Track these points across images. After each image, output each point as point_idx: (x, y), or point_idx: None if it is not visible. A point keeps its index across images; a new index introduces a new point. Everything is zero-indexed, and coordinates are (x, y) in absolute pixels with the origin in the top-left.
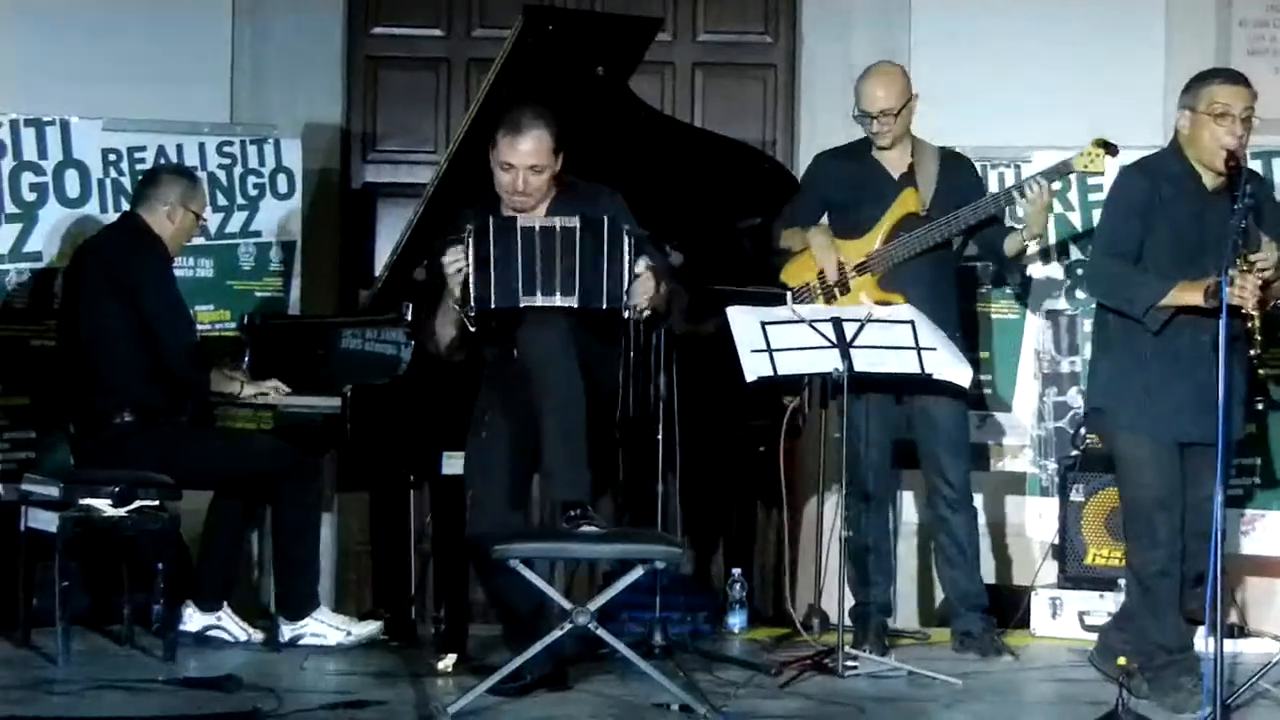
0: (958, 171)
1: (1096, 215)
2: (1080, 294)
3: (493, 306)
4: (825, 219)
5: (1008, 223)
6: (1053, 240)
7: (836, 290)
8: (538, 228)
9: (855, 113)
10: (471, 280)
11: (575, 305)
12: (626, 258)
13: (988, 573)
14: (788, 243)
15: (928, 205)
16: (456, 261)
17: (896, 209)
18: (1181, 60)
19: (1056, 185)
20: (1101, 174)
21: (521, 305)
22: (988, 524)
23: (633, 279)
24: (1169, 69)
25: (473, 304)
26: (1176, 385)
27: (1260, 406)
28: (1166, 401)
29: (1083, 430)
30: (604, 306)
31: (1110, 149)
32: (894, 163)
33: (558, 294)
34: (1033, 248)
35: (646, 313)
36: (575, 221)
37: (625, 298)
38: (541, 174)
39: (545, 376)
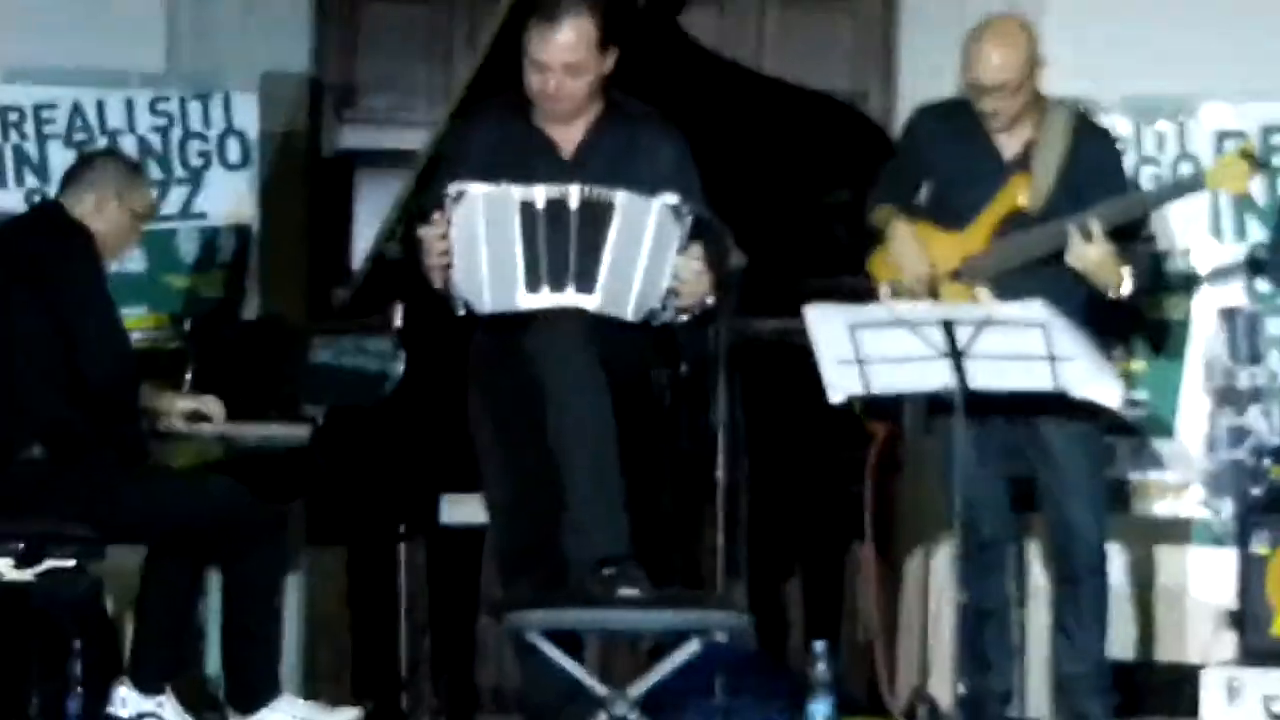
0: (1090, 153)
1: None
2: (1265, 285)
3: (483, 311)
4: (926, 193)
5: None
6: (1227, 219)
7: (925, 296)
8: (540, 205)
9: (962, 80)
10: (455, 274)
11: (592, 309)
12: (673, 253)
13: (1144, 647)
14: (877, 223)
15: (1043, 200)
16: (435, 241)
17: (1000, 202)
18: None
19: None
20: (1243, 193)
21: (521, 308)
22: (1145, 583)
23: (674, 280)
24: None
25: (457, 306)
26: None
27: None
28: None
29: (1267, 461)
30: (629, 318)
31: (1256, 162)
32: (1009, 137)
33: (570, 288)
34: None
35: (684, 317)
36: (613, 197)
37: (660, 307)
38: (581, 76)
39: (564, 404)
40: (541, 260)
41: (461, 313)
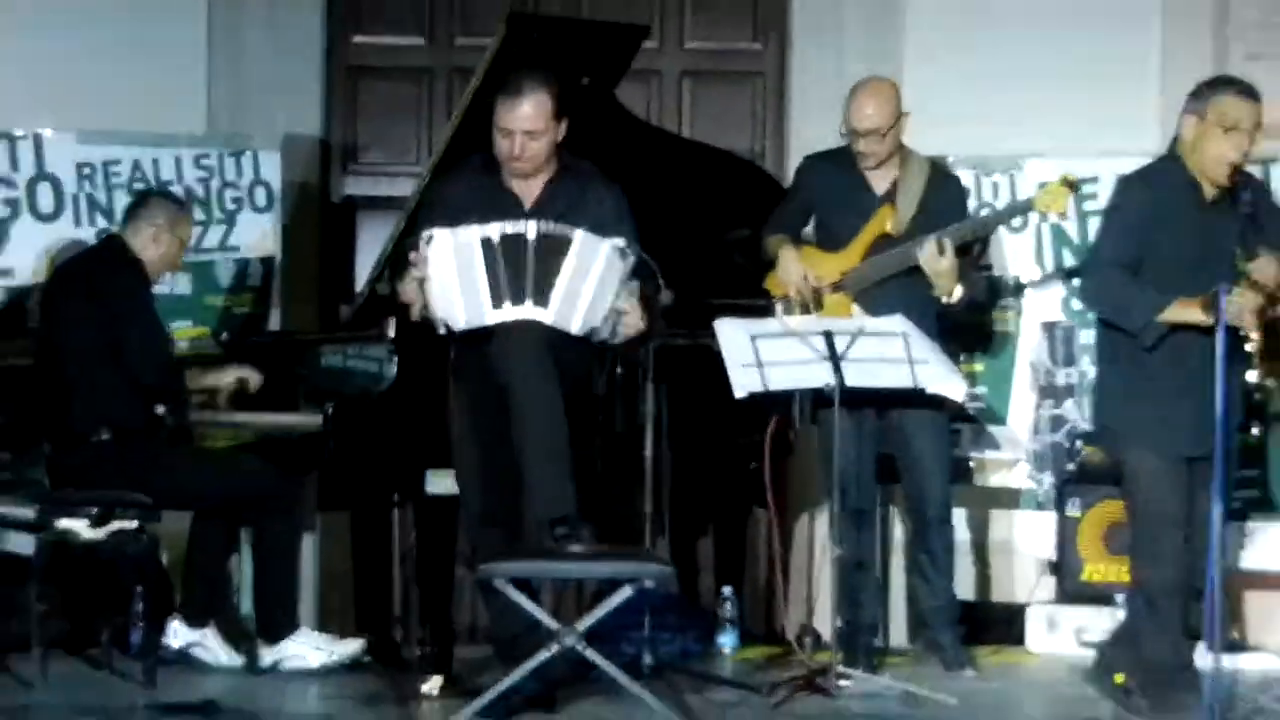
0: (942, 191)
1: (1091, 224)
2: (1076, 304)
3: (459, 329)
4: (812, 224)
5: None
6: (1048, 251)
7: (811, 306)
8: (496, 239)
9: (842, 130)
10: (434, 301)
11: (546, 321)
12: (616, 284)
13: (982, 589)
14: (771, 250)
15: (905, 226)
16: (415, 281)
17: (872, 228)
18: (1178, 64)
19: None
20: (1063, 214)
21: (489, 323)
22: (982, 539)
23: (616, 308)
24: (1165, 75)
25: (438, 327)
26: (1185, 400)
27: (1256, 432)
28: (1175, 416)
29: (1079, 443)
30: (575, 332)
31: (1074, 188)
32: (879, 176)
33: (528, 303)
34: (955, 295)
35: (620, 338)
36: (572, 234)
37: (600, 325)
38: (540, 139)
39: (523, 394)
40: (502, 282)
41: (442, 332)
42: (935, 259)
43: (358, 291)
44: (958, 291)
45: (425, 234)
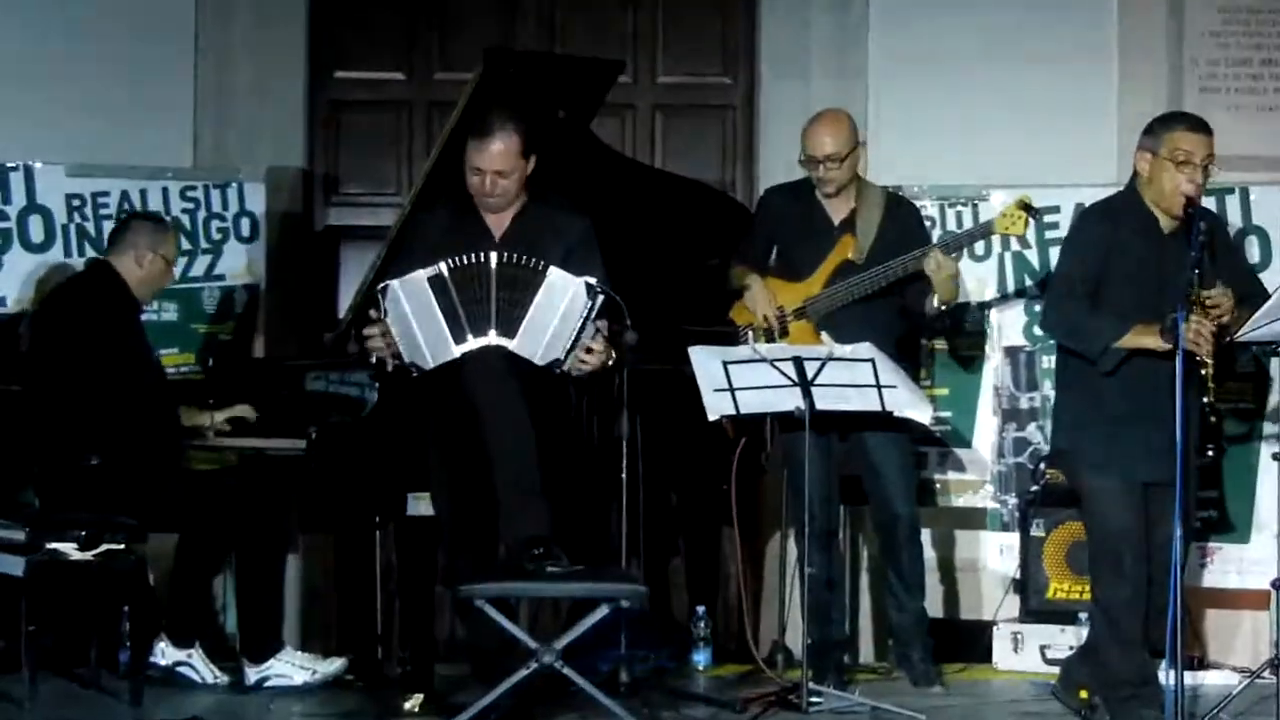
0: (900, 218)
1: (1053, 252)
2: (1038, 330)
3: (429, 368)
4: (774, 255)
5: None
6: (1010, 279)
7: (777, 334)
8: (446, 274)
9: (801, 157)
10: (402, 349)
11: (511, 349)
12: (580, 319)
13: (949, 607)
14: (737, 281)
15: (865, 253)
16: (377, 336)
17: (833, 256)
18: (1135, 99)
19: (952, 259)
20: (1022, 236)
21: (456, 356)
22: (949, 559)
23: (580, 344)
24: (1122, 108)
25: (410, 371)
26: (1138, 426)
27: (1210, 454)
28: (1129, 443)
29: (1042, 465)
30: (537, 363)
31: (1032, 211)
32: (836, 207)
33: (493, 332)
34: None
35: (582, 371)
36: (546, 269)
37: (562, 358)
38: (509, 177)
39: (492, 418)
40: (461, 315)
41: (415, 374)
42: (941, 261)
43: (340, 318)
44: (950, 300)
45: (380, 287)
